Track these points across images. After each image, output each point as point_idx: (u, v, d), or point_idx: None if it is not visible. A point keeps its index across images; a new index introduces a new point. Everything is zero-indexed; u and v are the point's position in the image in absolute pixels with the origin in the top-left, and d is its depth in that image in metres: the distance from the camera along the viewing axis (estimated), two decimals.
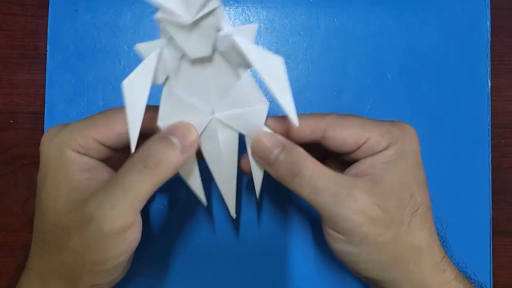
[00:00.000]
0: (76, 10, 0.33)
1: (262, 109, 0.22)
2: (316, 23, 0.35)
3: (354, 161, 0.24)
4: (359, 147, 0.23)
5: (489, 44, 0.35)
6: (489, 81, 0.34)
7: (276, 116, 0.24)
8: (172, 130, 0.22)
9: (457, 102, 0.34)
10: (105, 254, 0.21)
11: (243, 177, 0.32)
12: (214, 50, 0.20)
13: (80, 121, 0.23)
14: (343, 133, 0.23)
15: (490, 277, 0.33)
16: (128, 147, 0.22)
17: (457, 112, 0.34)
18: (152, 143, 0.21)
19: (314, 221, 0.33)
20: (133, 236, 0.22)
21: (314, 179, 0.22)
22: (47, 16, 0.34)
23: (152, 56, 0.20)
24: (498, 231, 0.34)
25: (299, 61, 0.34)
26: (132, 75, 0.20)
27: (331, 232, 0.23)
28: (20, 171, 0.34)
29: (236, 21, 0.34)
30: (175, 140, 0.21)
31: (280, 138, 0.23)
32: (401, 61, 0.34)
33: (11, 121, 0.34)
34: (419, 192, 0.23)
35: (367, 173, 0.23)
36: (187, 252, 0.33)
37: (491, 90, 0.34)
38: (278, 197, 0.33)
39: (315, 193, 0.22)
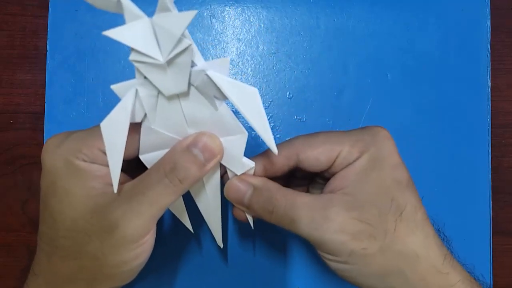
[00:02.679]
0: (76, 10, 0.33)
1: (240, 139, 0.22)
2: (316, 23, 0.35)
3: (332, 175, 0.24)
4: (333, 162, 0.23)
5: (489, 44, 0.35)
6: (489, 81, 0.34)
7: (251, 157, 0.24)
8: (197, 142, 0.22)
9: (457, 102, 0.34)
10: (125, 257, 0.22)
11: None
12: (189, 84, 0.21)
13: (84, 131, 0.23)
14: (314, 152, 0.23)
15: (490, 277, 0.33)
16: (134, 158, 0.23)
17: (457, 112, 0.34)
18: (177, 157, 0.22)
19: None
20: (150, 239, 0.23)
21: (289, 211, 0.22)
22: (47, 16, 0.33)
23: (128, 96, 0.20)
24: (498, 231, 0.34)
25: (299, 61, 0.34)
26: (110, 116, 0.20)
27: (321, 253, 0.23)
28: (20, 171, 0.34)
29: (236, 21, 0.34)
30: (199, 154, 0.22)
31: (249, 178, 0.23)
32: (401, 61, 0.34)
33: (11, 121, 0.34)
34: (402, 194, 0.22)
35: (341, 187, 0.23)
36: (189, 253, 0.33)
37: (491, 90, 0.34)
38: None
39: (293, 224, 0.22)
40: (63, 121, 0.33)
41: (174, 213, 0.26)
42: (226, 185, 0.24)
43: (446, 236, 0.26)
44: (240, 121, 0.22)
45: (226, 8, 0.35)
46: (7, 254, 0.34)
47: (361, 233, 0.22)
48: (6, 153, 0.34)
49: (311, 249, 0.33)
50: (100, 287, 0.23)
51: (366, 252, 0.22)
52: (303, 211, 0.22)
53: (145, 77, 0.20)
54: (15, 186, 0.34)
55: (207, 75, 0.20)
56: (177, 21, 0.18)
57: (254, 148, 0.33)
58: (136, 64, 0.19)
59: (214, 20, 0.34)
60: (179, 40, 0.18)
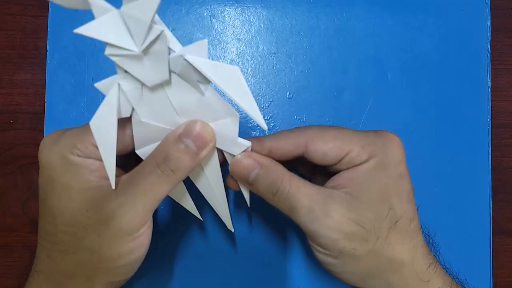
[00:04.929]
0: (76, 10, 0.33)
1: (232, 121, 0.22)
2: (316, 23, 0.35)
3: (337, 172, 0.24)
4: (341, 159, 0.23)
5: (489, 44, 0.35)
6: (489, 81, 0.34)
7: (259, 136, 0.24)
8: (188, 131, 0.22)
9: (457, 102, 0.34)
10: (122, 250, 0.22)
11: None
12: (171, 72, 0.21)
13: (78, 128, 0.23)
14: (324, 147, 0.23)
15: (490, 277, 0.33)
16: (129, 153, 0.23)
17: (457, 112, 0.34)
18: (169, 147, 0.22)
19: None
20: (147, 232, 0.23)
21: (291, 197, 0.22)
22: (47, 16, 0.34)
23: (112, 92, 0.20)
24: (498, 231, 0.34)
25: (299, 61, 0.34)
26: (97, 114, 0.20)
27: (312, 244, 0.23)
28: (20, 171, 0.34)
29: (236, 21, 0.34)
30: (190, 144, 0.22)
31: (258, 157, 0.23)
32: (401, 61, 0.34)
33: (11, 121, 0.34)
34: (400, 204, 0.23)
35: (345, 186, 0.23)
36: (189, 252, 0.33)
37: (491, 90, 0.34)
38: None
39: (292, 211, 0.22)
40: (63, 121, 0.33)
41: (180, 203, 0.26)
42: (231, 161, 0.24)
43: (435, 242, 0.27)
44: (230, 102, 0.22)
45: (226, 8, 0.35)
46: (7, 254, 0.34)
47: (355, 234, 0.22)
48: (6, 153, 0.34)
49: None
50: (99, 282, 0.23)
51: (355, 252, 0.22)
52: (304, 201, 0.22)
53: (126, 71, 0.20)
54: (15, 186, 0.34)
55: (185, 59, 0.20)
56: (144, 7, 0.17)
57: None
58: (113, 58, 0.19)
59: (214, 20, 0.34)
60: (150, 28, 0.18)
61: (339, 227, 0.22)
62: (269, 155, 0.24)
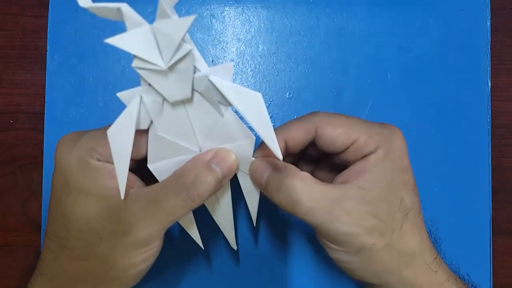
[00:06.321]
0: (76, 10, 0.33)
1: (248, 143, 0.23)
2: (316, 23, 0.35)
3: (344, 162, 0.24)
4: (348, 147, 0.23)
5: (489, 44, 0.35)
6: (489, 81, 0.34)
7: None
8: (221, 160, 0.22)
9: (457, 102, 0.34)
10: (134, 260, 0.22)
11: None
12: (193, 90, 0.21)
13: (97, 130, 0.23)
14: (333, 133, 0.23)
15: (490, 277, 0.33)
16: (144, 158, 0.23)
17: (457, 112, 0.34)
18: (198, 172, 0.22)
19: None
20: (159, 244, 0.23)
21: (305, 199, 0.22)
22: (47, 16, 0.34)
23: (133, 103, 0.21)
24: (498, 231, 0.34)
25: (299, 61, 0.34)
26: (116, 123, 0.20)
27: (328, 243, 0.23)
28: (20, 171, 0.34)
29: (236, 21, 0.34)
30: (219, 172, 0.22)
31: (271, 160, 0.23)
32: (401, 61, 0.34)
33: (11, 121, 0.34)
34: (409, 196, 0.23)
35: (355, 179, 0.23)
36: (190, 256, 0.33)
37: (491, 90, 0.34)
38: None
39: (308, 213, 0.22)
40: (63, 121, 0.33)
41: (184, 227, 0.26)
42: (250, 166, 0.24)
43: (435, 239, 0.27)
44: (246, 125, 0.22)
45: (226, 8, 0.35)
46: (7, 254, 0.34)
47: (374, 229, 0.22)
48: (6, 153, 0.34)
49: (312, 250, 0.33)
50: None
51: (373, 247, 0.22)
52: (321, 201, 0.22)
53: (149, 84, 0.20)
54: (15, 186, 0.34)
55: (210, 80, 0.20)
56: (176, 26, 0.18)
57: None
58: (139, 71, 0.19)
59: (214, 20, 0.34)
60: (179, 46, 0.18)
61: (359, 222, 0.22)
62: (285, 148, 0.24)
